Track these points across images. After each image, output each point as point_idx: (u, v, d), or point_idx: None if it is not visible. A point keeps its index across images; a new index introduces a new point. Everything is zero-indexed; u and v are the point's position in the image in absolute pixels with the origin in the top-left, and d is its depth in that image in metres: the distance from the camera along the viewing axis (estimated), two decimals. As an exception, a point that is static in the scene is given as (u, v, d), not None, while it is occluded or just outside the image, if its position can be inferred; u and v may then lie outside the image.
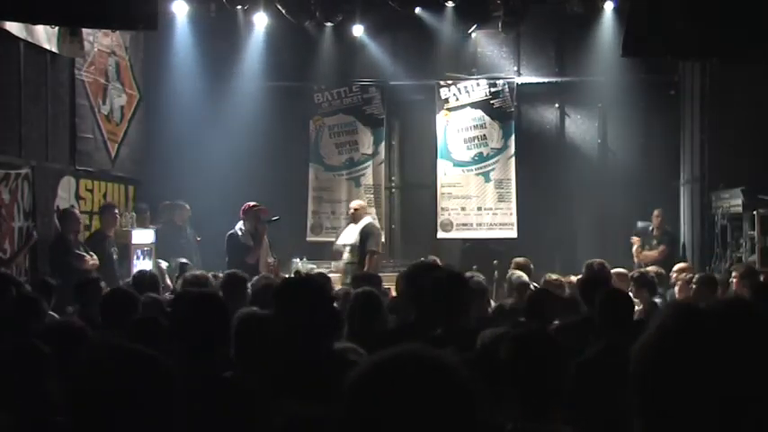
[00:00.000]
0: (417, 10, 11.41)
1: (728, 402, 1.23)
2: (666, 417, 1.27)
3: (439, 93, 12.17)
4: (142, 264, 9.56)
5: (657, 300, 7.19)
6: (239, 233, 9.44)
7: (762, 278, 7.65)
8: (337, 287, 7.23)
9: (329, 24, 11.39)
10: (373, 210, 11.79)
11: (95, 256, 8.60)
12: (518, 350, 2.84)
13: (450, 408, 1.35)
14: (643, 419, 1.30)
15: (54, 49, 9.09)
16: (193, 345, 3.16)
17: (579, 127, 12.07)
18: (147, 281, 6.73)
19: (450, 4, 10.98)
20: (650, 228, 10.80)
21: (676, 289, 8.00)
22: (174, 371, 2.08)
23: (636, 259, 10.41)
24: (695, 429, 1.24)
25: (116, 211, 9.52)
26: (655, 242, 10.58)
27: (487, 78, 12.08)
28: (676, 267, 8.53)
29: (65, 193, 9.30)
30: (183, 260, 9.24)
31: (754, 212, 9.36)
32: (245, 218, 9.55)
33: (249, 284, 6.11)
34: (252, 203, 9.69)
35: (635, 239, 10.69)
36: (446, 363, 1.39)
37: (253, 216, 9.52)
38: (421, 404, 1.34)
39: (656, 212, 10.81)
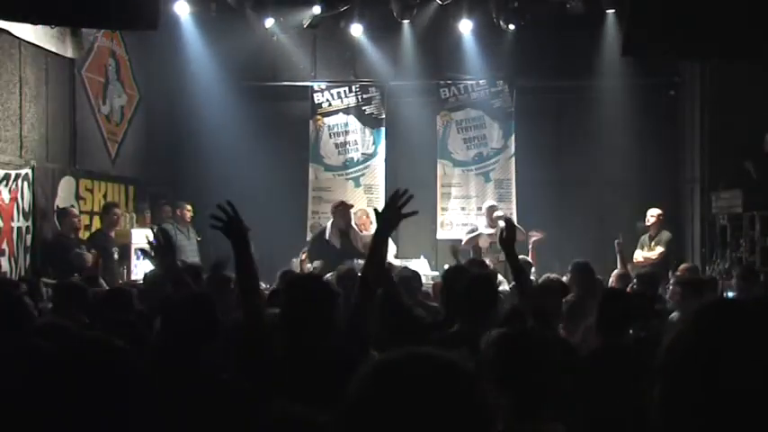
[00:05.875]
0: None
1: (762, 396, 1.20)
2: (694, 410, 1.24)
3: (439, 93, 12.18)
4: (142, 264, 9.55)
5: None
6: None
7: (762, 278, 7.64)
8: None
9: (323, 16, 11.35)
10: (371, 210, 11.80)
11: (96, 255, 8.59)
12: (507, 350, 2.83)
13: (455, 415, 1.30)
14: (667, 412, 1.28)
15: (54, 49, 9.09)
16: (184, 346, 3.16)
17: (579, 127, 12.06)
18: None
19: (445, 1, 11.00)
20: (645, 228, 10.60)
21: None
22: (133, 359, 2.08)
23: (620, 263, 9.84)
24: (724, 423, 1.22)
25: (118, 210, 9.51)
26: (653, 243, 10.41)
27: (487, 79, 12.09)
28: (682, 267, 8.47)
29: (65, 193, 9.30)
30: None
31: (754, 212, 9.37)
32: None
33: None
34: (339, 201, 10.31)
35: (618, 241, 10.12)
36: (456, 367, 1.34)
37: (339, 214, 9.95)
38: (425, 411, 1.29)
39: (652, 213, 10.54)
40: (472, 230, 10.77)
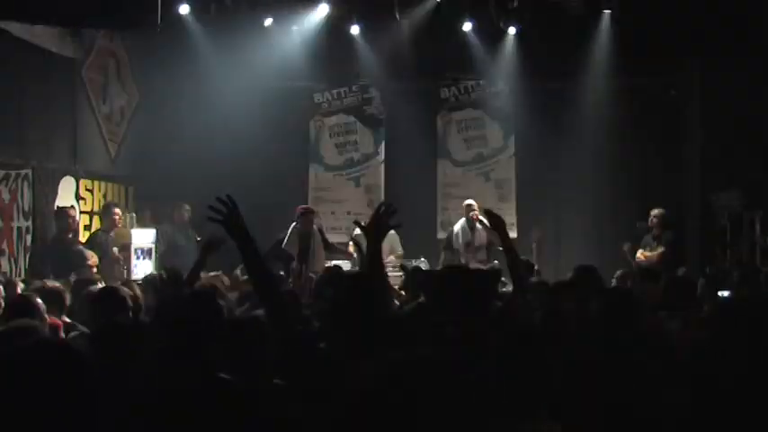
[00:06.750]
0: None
1: None
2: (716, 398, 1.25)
3: (439, 93, 12.19)
4: (142, 264, 9.56)
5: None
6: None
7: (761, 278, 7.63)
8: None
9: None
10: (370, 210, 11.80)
11: (95, 255, 8.59)
12: (503, 347, 2.83)
13: None
14: (701, 409, 1.29)
15: (54, 49, 9.10)
16: (184, 346, 3.15)
17: (579, 127, 12.06)
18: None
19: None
20: (647, 228, 10.62)
21: None
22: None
23: (632, 261, 10.12)
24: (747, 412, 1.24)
25: (117, 210, 9.51)
26: (655, 243, 10.41)
27: (487, 79, 12.09)
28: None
29: (65, 193, 9.30)
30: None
31: (754, 212, 9.37)
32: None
33: None
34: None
35: (625, 247, 10.24)
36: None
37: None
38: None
39: (655, 212, 10.57)
40: (449, 234, 10.74)
